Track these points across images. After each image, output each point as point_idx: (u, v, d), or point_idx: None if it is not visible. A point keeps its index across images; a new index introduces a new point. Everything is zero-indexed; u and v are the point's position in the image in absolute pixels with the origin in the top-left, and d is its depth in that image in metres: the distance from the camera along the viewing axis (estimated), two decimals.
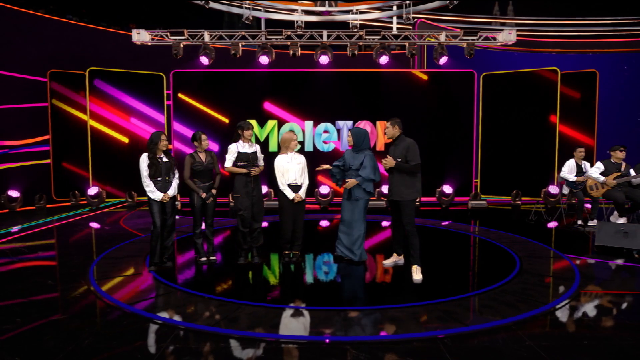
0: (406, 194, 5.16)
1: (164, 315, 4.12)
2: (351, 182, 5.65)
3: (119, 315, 4.12)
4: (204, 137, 5.77)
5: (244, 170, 5.66)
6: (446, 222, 8.82)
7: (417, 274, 5.11)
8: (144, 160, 5.42)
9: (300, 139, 10.90)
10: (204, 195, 5.65)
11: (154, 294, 4.72)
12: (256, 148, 5.86)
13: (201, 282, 5.18)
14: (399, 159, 5.17)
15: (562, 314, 4.21)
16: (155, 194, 5.42)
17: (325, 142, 11.04)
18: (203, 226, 5.87)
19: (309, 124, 11.04)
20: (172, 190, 5.56)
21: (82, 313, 4.18)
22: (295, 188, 5.82)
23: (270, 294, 4.78)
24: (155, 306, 4.35)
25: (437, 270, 5.36)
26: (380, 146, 11.03)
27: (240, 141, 5.77)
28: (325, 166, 5.95)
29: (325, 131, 11.02)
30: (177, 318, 4.07)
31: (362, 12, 10.33)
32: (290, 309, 4.31)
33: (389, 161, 5.18)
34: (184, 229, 7.84)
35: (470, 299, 4.56)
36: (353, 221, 5.75)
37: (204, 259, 5.85)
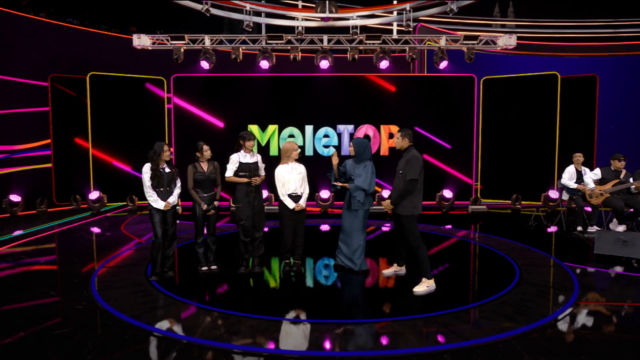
0: (402, 208, 5.18)
1: (166, 328, 4.15)
2: (344, 184, 5.71)
3: (121, 327, 4.15)
4: (205, 147, 5.81)
5: (245, 179, 5.70)
6: (445, 227, 8.86)
7: (419, 287, 5.13)
8: (146, 171, 5.45)
9: (300, 143, 10.93)
10: (205, 207, 5.69)
11: (155, 305, 4.75)
12: (257, 158, 5.90)
13: (202, 292, 5.22)
14: (401, 172, 5.19)
15: (561, 327, 4.24)
16: (159, 203, 5.45)
17: (325, 147, 11.06)
18: (205, 231, 5.91)
19: (309, 128, 11.06)
20: (173, 198, 5.59)
21: (84, 325, 4.21)
22: (295, 198, 5.85)
23: (270, 306, 4.81)
24: (157, 319, 4.38)
25: (436, 280, 5.37)
26: (384, 151, 11.04)
27: (242, 151, 5.80)
28: (334, 161, 5.90)
29: (326, 136, 11.05)
30: (178, 331, 4.11)
31: (362, 18, 10.33)
32: (290, 322, 4.34)
33: (386, 205, 5.31)
34: (185, 235, 7.88)
35: (470, 311, 4.59)
36: (353, 231, 5.78)
37: (205, 268, 5.89)
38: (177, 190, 5.67)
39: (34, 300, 4.87)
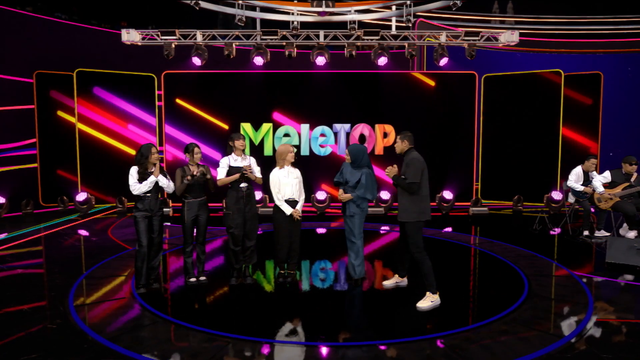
0: (406, 215, 4.85)
1: (146, 354, 3.75)
2: (346, 196, 5.33)
3: (97, 352, 3.75)
4: (196, 149, 5.43)
5: (236, 176, 5.30)
6: (445, 230, 8.52)
7: (423, 302, 4.77)
8: (132, 174, 5.09)
9: (296, 142, 10.56)
10: (189, 178, 5.28)
11: (137, 324, 4.37)
12: (250, 161, 5.52)
13: (189, 308, 4.83)
14: (403, 176, 4.85)
15: (577, 350, 3.87)
16: (147, 183, 5.07)
17: (322, 146, 10.69)
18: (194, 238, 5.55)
19: (305, 127, 10.68)
20: (163, 179, 5.21)
21: (55, 350, 3.79)
22: (292, 204, 5.49)
23: (262, 324, 4.43)
24: (139, 342, 3.96)
25: (440, 293, 5.00)
26: (379, 150, 10.68)
27: (233, 154, 5.43)
28: (347, 196, 5.40)
29: (322, 134, 10.67)
30: (160, 357, 3.71)
31: (360, 13, 9.93)
32: (282, 345, 3.96)
33: (391, 170, 4.92)
34: (174, 240, 7.49)
35: (480, 330, 4.22)
36: (352, 237, 5.44)
37: (193, 279, 5.51)
38: (170, 183, 5.31)
39: (4, 317, 4.48)
